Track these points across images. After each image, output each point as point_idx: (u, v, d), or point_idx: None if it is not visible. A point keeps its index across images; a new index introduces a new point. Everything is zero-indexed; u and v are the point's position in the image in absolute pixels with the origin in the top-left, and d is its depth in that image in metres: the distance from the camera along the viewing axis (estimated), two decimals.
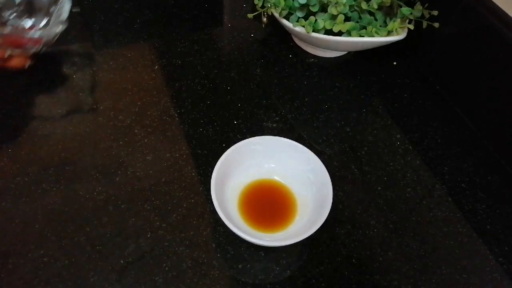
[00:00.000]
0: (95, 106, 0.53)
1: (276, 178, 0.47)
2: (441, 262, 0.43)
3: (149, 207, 0.44)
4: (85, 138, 0.50)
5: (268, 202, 0.45)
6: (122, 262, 0.40)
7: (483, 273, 0.43)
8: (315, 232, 0.38)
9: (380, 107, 0.58)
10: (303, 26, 0.55)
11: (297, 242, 0.38)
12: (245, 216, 0.43)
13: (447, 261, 0.43)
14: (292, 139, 0.52)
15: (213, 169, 0.42)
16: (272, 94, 0.58)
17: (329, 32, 0.56)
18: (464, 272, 0.42)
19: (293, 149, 0.45)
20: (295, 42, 0.65)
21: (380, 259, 0.43)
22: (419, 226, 0.46)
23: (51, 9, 0.55)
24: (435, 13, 0.55)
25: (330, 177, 0.41)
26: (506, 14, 0.49)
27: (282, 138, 0.45)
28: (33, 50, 0.54)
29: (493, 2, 0.50)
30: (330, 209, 0.39)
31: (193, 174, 0.48)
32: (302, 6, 0.56)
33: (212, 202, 0.39)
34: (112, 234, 0.42)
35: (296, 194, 0.45)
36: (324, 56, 0.64)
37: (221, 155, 0.43)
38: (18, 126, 0.50)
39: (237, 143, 0.44)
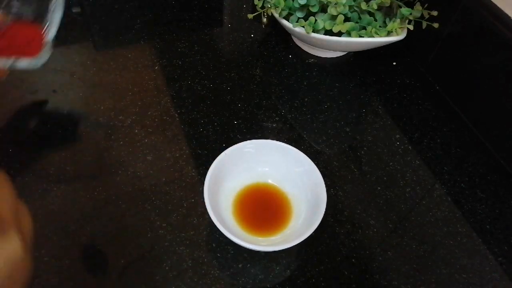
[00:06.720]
0: (95, 106, 0.54)
1: (270, 181, 0.46)
2: (440, 262, 0.43)
3: (149, 207, 0.45)
4: (85, 138, 0.50)
5: (263, 206, 0.45)
6: (122, 261, 0.40)
7: (483, 273, 0.43)
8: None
9: (380, 107, 0.58)
10: (303, 27, 0.55)
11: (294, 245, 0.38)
12: (241, 221, 0.43)
13: (447, 261, 0.43)
14: (292, 139, 0.53)
15: None
16: (272, 94, 0.58)
17: (329, 32, 0.56)
18: (464, 272, 0.43)
19: (285, 151, 0.45)
20: (295, 43, 0.66)
21: (380, 258, 0.43)
22: (418, 225, 0.46)
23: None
24: (435, 13, 0.55)
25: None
26: (506, 14, 0.49)
27: (274, 141, 0.45)
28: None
29: (493, 2, 0.50)
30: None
31: (193, 174, 0.48)
32: (302, 7, 0.56)
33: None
34: (112, 234, 0.42)
35: (290, 196, 0.45)
36: (324, 56, 0.64)
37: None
38: (19, 126, 0.50)
39: (228, 149, 0.43)
